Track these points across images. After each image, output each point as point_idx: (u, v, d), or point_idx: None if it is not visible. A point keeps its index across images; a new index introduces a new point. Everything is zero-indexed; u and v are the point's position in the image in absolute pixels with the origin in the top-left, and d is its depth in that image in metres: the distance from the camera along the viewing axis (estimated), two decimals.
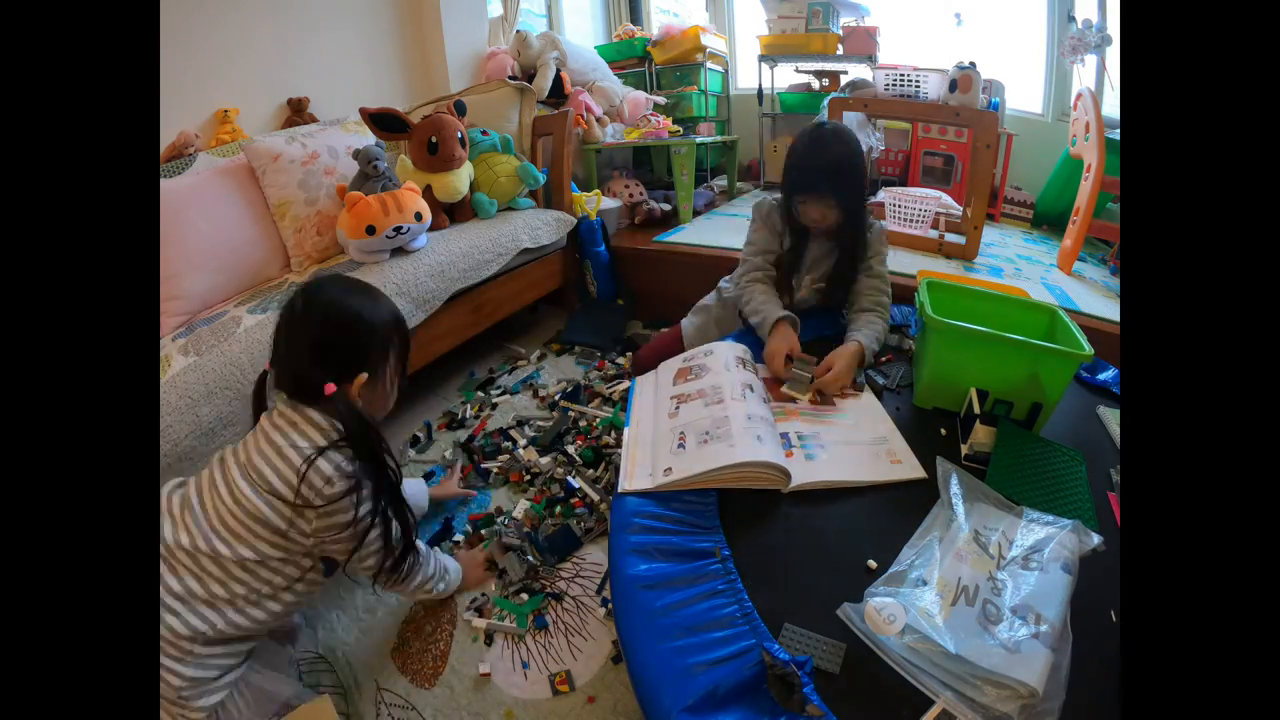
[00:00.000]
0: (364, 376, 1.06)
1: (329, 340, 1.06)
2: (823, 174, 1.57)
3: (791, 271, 1.73)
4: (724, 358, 1.32)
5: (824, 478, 1.09)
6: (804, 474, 1.08)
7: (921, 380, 1.33)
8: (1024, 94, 3.53)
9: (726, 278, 1.90)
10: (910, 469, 1.13)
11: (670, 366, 1.39)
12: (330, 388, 1.01)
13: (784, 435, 1.17)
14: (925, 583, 0.87)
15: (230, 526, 0.98)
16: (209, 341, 1.53)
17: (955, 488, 1.02)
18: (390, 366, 1.14)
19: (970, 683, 0.75)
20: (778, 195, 1.75)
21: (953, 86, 2.49)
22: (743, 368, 1.30)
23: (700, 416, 1.17)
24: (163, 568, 0.97)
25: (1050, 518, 0.96)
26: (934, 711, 0.73)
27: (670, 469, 1.07)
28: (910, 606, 0.83)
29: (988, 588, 0.86)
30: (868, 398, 1.33)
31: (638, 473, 1.10)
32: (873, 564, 0.93)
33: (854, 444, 1.18)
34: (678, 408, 1.23)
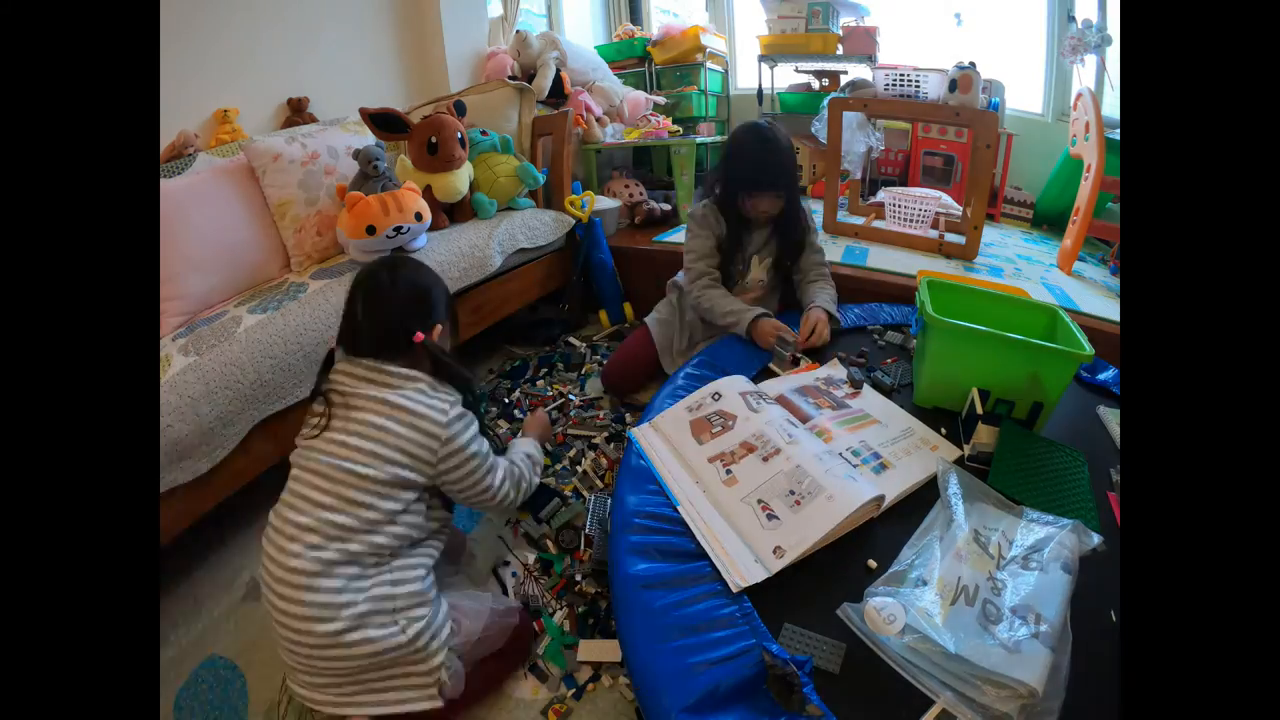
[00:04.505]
0: (440, 326, 1.23)
1: (414, 299, 1.22)
2: (777, 170, 1.73)
3: (731, 260, 1.88)
4: (738, 399, 1.24)
5: (902, 489, 1.06)
6: (887, 489, 1.05)
7: (922, 379, 1.33)
8: (1024, 94, 3.53)
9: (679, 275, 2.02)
10: (948, 450, 1.17)
11: (679, 421, 1.26)
12: (419, 335, 1.17)
13: (839, 455, 1.12)
14: (925, 583, 0.87)
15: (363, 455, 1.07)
16: (209, 341, 1.53)
17: (955, 488, 1.02)
18: (450, 319, 1.30)
19: (970, 683, 0.75)
20: (706, 201, 1.89)
21: (953, 86, 2.48)
22: (763, 400, 1.24)
23: (769, 476, 1.06)
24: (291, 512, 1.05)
25: (1050, 518, 0.96)
26: (934, 711, 0.73)
27: (780, 547, 0.94)
28: (910, 606, 0.83)
29: (988, 587, 0.86)
30: (869, 393, 1.33)
31: (740, 565, 0.94)
32: (873, 564, 0.93)
33: (898, 442, 1.18)
34: (729, 471, 1.10)
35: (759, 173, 1.73)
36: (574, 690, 1.19)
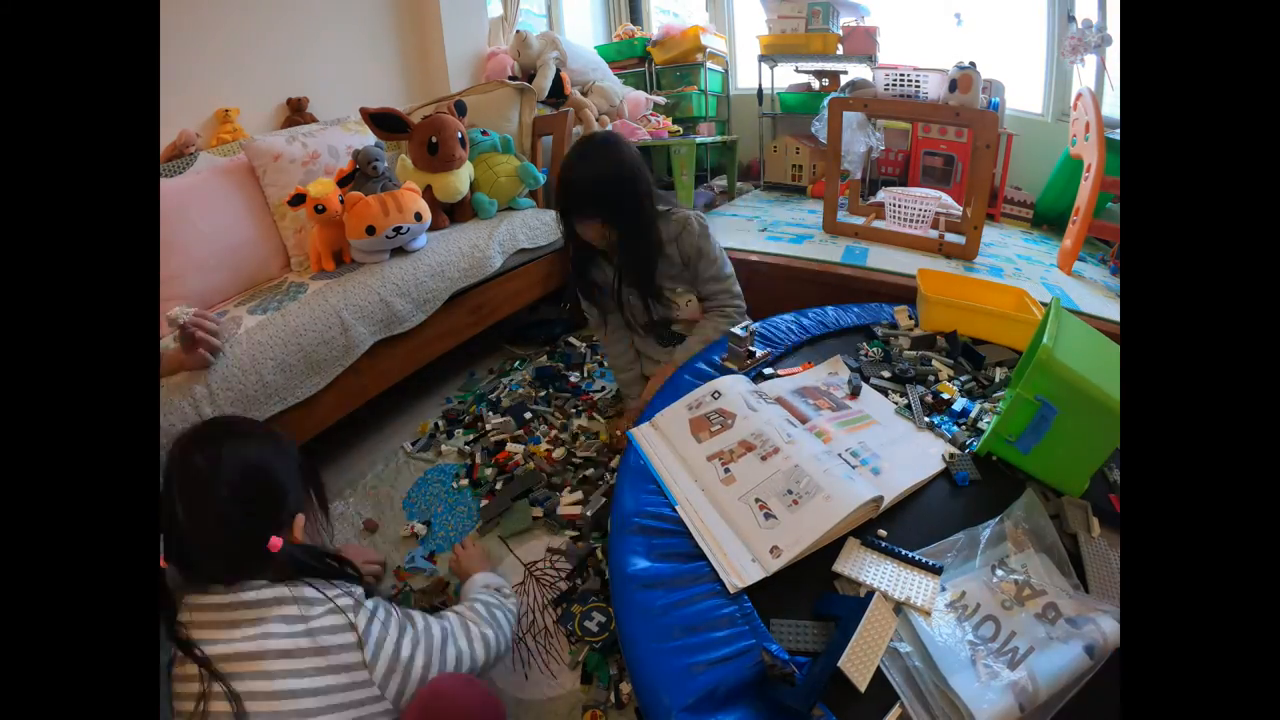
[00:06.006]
0: (300, 516, 0.97)
1: (253, 491, 0.92)
2: (581, 194, 1.53)
3: (603, 296, 1.72)
4: (738, 398, 1.23)
5: (904, 486, 1.05)
6: (886, 490, 1.03)
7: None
8: (1024, 94, 3.53)
9: None
10: (948, 442, 1.18)
11: (678, 419, 1.24)
12: (276, 542, 0.88)
13: (838, 456, 1.11)
14: (943, 589, 0.87)
15: None
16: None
17: (1022, 519, 0.97)
18: (313, 491, 1.04)
19: (931, 692, 0.75)
20: None
21: (953, 86, 2.49)
22: (762, 400, 1.23)
23: (767, 475, 1.05)
24: None
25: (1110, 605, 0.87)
26: (895, 713, 0.74)
27: (777, 547, 0.93)
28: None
29: (1003, 619, 0.83)
30: (869, 394, 1.33)
31: (736, 564, 0.93)
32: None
33: (897, 444, 1.17)
34: (727, 469, 1.09)
35: (563, 194, 1.55)
36: (615, 701, 1.17)
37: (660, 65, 4.03)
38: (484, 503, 1.65)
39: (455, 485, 1.75)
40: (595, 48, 3.91)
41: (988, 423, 1.21)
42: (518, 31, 3.19)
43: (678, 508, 1.05)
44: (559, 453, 1.81)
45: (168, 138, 2.21)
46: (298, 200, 1.82)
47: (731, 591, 0.89)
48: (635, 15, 4.73)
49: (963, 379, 1.37)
